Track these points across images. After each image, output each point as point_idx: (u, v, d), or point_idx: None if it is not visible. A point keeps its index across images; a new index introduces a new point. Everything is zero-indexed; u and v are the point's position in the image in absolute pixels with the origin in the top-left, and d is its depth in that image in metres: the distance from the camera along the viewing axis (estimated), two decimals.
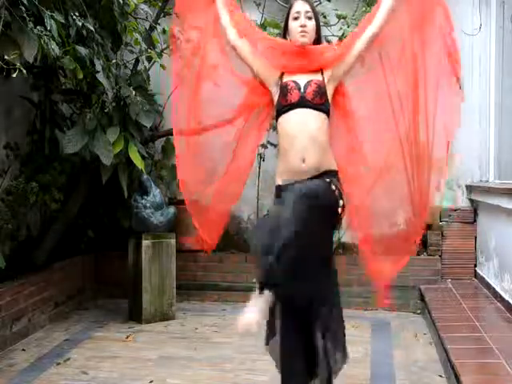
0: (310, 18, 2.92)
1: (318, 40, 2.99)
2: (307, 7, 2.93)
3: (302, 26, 2.90)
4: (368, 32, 2.95)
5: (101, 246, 5.91)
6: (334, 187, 2.83)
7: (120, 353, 4.36)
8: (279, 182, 2.92)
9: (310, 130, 2.82)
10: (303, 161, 2.81)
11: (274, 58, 2.98)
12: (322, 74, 2.93)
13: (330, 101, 2.93)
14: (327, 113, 2.91)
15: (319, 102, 2.86)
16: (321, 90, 2.87)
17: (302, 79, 2.89)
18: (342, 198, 2.90)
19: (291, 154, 2.83)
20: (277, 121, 2.95)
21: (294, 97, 2.86)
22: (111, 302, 5.72)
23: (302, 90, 2.86)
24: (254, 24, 3.28)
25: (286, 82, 2.91)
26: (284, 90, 2.89)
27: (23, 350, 4.39)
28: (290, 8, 2.99)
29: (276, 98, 2.95)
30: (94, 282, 5.90)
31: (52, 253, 5.22)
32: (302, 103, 2.85)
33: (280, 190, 2.88)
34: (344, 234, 5.95)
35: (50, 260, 5.16)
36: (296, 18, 2.92)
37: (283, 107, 2.89)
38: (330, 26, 5.17)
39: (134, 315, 5.19)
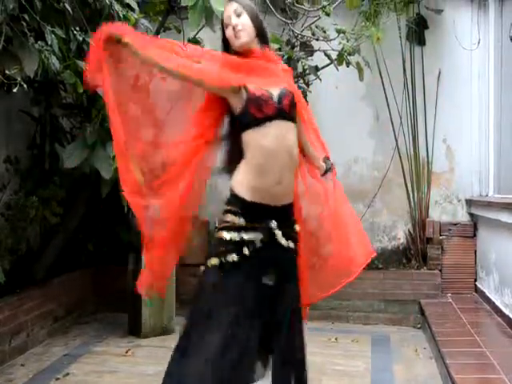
0: (239, 15, 2.65)
1: (262, 37, 2.71)
2: (234, 5, 2.67)
3: (234, 28, 2.64)
4: (304, 137, 2.87)
5: (100, 260, 5.90)
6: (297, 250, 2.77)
7: (119, 367, 4.34)
8: (245, 195, 2.65)
9: (288, 146, 2.64)
10: (279, 182, 2.62)
11: (233, 72, 2.66)
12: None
13: None
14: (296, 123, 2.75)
15: (293, 113, 2.69)
16: (293, 100, 2.69)
17: (273, 89, 2.64)
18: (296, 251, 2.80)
19: (268, 173, 2.60)
20: (242, 132, 2.64)
21: (269, 108, 2.59)
22: (111, 316, 5.69)
23: (276, 101, 2.61)
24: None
25: (256, 91, 2.61)
26: (257, 100, 2.59)
27: (22, 365, 4.37)
28: (222, 20, 2.74)
29: (240, 110, 2.63)
30: (93, 296, 5.88)
31: (52, 267, 5.21)
32: (280, 115, 2.62)
33: (246, 207, 2.65)
34: None
35: (49, 274, 5.15)
36: (228, 25, 2.67)
37: (255, 119, 2.59)
38: (330, 40, 5.19)
39: (134, 329, 5.17)
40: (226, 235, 2.64)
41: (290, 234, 2.71)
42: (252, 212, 2.65)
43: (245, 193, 2.64)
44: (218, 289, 2.64)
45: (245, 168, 2.66)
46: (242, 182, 2.66)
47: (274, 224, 2.64)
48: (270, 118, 2.59)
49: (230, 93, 2.64)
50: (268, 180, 2.61)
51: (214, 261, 2.65)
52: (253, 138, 2.62)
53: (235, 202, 2.68)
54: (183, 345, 2.72)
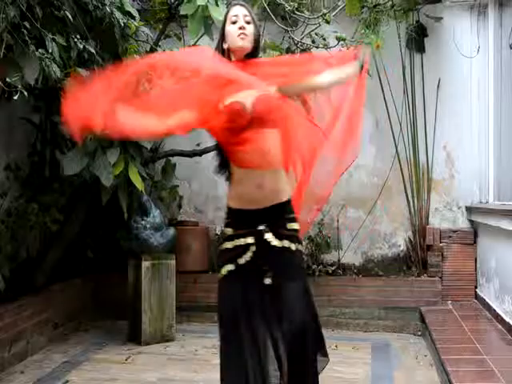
0: (248, 23, 2.72)
1: (256, 49, 2.78)
2: (245, 11, 2.74)
3: (240, 28, 2.69)
4: (316, 81, 2.88)
5: (100, 267, 5.90)
6: (298, 248, 2.76)
7: (119, 375, 4.33)
8: (231, 204, 2.77)
9: (265, 153, 2.64)
10: (260, 187, 2.65)
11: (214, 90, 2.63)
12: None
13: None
14: (277, 126, 2.71)
15: (270, 117, 2.66)
16: (271, 103, 2.67)
17: (248, 96, 2.63)
18: (300, 242, 2.80)
19: (247, 182, 2.68)
20: (228, 147, 2.71)
21: (242, 119, 2.61)
22: (111, 323, 5.68)
23: (249, 109, 2.62)
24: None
25: (229, 103, 2.62)
26: (230, 113, 2.61)
27: (22, 372, 4.37)
28: (226, 14, 2.78)
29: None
30: (93, 303, 5.87)
31: (51, 274, 5.21)
32: (253, 124, 2.62)
33: (233, 215, 2.76)
34: (344, 255, 5.97)
35: (49, 281, 5.15)
36: (234, 22, 2.71)
37: (232, 131, 2.63)
38: (330, 47, 5.21)
39: (134, 337, 5.16)
40: (224, 245, 2.77)
41: (283, 234, 2.71)
42: (239, 219, 2.74)
43: (231, 202, 2.77)
44: (224, 298, 2.74)
45: (230, 178, 2.79)
46: (229, 191, 2.79)
47: (263, 227, 2.68)
48: (244, 128, 2.62)
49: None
50: (249, 187, 2.67)
51: (220, 272, 2.77)
52: (231, 150, 2.70)
53: (227, 213, 2.81)
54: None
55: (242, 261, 2.69)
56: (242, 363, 2.62)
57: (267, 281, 2.66)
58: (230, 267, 2.71)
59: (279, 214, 2.73)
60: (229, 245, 2.74)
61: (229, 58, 2.77)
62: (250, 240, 2.68)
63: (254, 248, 2.68)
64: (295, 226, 2.78)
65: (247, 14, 2.74)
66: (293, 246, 2.73)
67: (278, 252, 2.70)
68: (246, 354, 2.62)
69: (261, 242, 2.68)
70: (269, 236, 2.68)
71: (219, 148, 2.79)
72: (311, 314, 2.73)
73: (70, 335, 5.33)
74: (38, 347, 4.84)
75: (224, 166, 2.80)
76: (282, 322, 2.64)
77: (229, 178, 2.79)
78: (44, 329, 4.95)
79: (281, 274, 2.68)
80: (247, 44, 2.72)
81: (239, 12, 2.74)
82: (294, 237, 2.75)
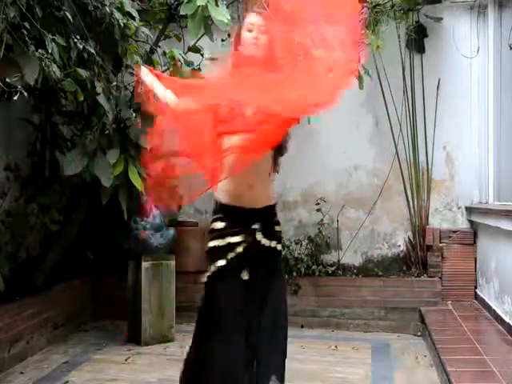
0: (264, 33, 2.80)
1: (273, 57, 2.76)
2: (261, 21, 2.81)
3: (255, 39, 2.79)
4: None
5: (100, 268, 5.89)
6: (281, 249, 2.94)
7: (119, 375, 4.33)
8: (224, 201, 2.81)
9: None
10: (251, 187, 2.75)
11: None
12: None
13: None
14: None
15: None
16: None
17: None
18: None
19: (239, 181, 2.75)
20: None
21: None
22: (110, 323, 5.69)
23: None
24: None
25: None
26: None
27: (21, 372, 4.36)
28: (244, 20, 2.89)
29: None
30: (93, 303, 5.87)
31: (51, 274, 5.21)
32: None
33: (226, 211, 2.80)
34: (343, 255, 5.97)
35: (49, 282, 5.15)
36: (250, 30, 2.81)
37: None
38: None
39: (134, 337, 5.16)
40: (214, 243, 2.82)
41: (272, 234, 2.85)
42: (233, 216, 2.80)
43: (223, 197, 2.82)
44: (214, 296, 2.83)
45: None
46: (222, 186, 2.80)
47: (256, 225, 2.78)
48: None
49: None
50: (240, 185, 2.75)
51: (209, 269, 2.83)
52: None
53: (219, 208, 2.86)
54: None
55: (231, 255, 2.76)
56: (237, 367, 2.74)
57: (245, 276, 2.75)
58: (222, 262, 2.77)
59: (269, 216, 2.88)
60: (221, 242, 2.80)
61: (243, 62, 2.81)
62: (242, 237, 2.77)
63: (244, 244, 2.76)
64: (280, 228, 2.93)
65: (262, 24, 2.79)
66: (278, 247, 2.90)
67: (266, 252, 2.82)
68: (240, 360, 2.74)
69: (252, 240, 2.77)
70: (259, 235, 2.79)
71: None
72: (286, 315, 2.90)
73: (69, 336, 5.33)
74: (38, 348, 4.84)
75: None
76: (263, 321, 2.78)
77: None
78: (44, 329, 4.95)
79: (267, 274, 2.82)
80: (259, 53, 2.77)
81: (255, 22, 2.81)
82: (280, 238, 2.92)
